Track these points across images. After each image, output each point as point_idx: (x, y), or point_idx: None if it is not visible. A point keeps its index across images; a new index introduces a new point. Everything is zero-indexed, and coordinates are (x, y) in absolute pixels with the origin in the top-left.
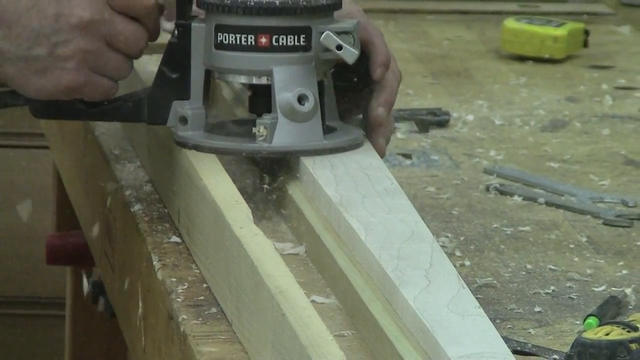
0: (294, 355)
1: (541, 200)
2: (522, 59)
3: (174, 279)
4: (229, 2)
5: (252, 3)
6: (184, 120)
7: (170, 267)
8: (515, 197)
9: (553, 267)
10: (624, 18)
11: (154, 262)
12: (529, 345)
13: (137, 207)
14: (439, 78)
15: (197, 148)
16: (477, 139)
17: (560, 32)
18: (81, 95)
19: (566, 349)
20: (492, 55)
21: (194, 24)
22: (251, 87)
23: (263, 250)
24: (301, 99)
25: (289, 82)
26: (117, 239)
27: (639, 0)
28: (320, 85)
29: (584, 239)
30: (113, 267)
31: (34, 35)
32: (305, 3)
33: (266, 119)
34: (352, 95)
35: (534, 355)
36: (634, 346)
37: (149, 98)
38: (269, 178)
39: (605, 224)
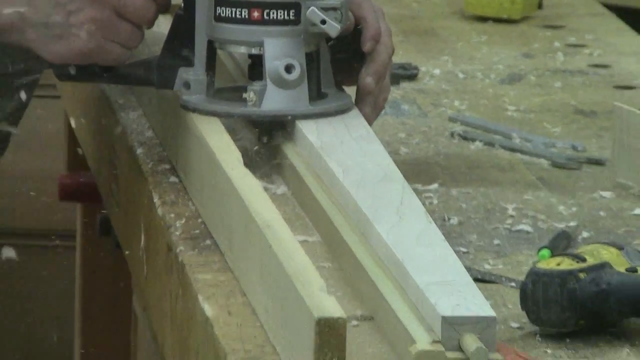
0: (279, 282)
1: (499, 145)
2: (483, 19)
3: (172, 215)
4: None
5: None
6: (187, 85)
7: (169, 204)
8: (477, 143)
9: (510, 205)
10: None
11: (155, 200)
12: (489, 274)
13: (139, 151)
14: (408, 36)
15: (196, 111)
16: (442, 90)
17: None
18: (94, 60)
19: (522, 278)
20: (456, 16)
21: None
22: (250, 56)
23: (251, 189)
24: (289, 68)
25: (278, 52)
26: (122, 179)
27: None
28: (311, 55)
29: (538, 180)
30: (118, 204)
31: (52, 4)
32: None
33: (256, 85)
34: (348, 66)
35: (493, 282)
36: (582, 275)
37: (157, 64)
38: (265, 137)
39: (556, 166)
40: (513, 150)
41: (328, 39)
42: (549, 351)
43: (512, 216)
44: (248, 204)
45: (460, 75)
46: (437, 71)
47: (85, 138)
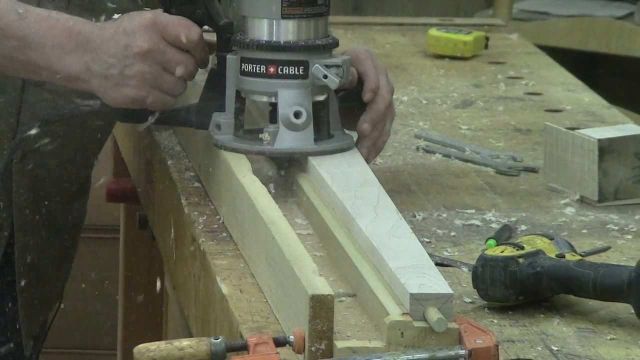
0: (280, 266)
1: (454, 156)
2: (441, 57)
3: (196, 213)
4: (248, 40)
5: (264, 42)
6: (219, 127)
7: (194, 204)
8: (437, 155)
9: (464, 204)
10: (514, 28)
11: (182, 200)
12: (447, 259)
13: (170, 162)
14: None
15: (223, 148)
16: (409, 113)
17: (468, 38)
18: (144, 106)
19: (473, 262)
20: (420, 55)
21: (229, 56)
22: (270, 104)
23: (259, 192)
24: (297, 114)
25: (289, 101)
26: (156, 184)
27: (524, 15)
28: (321, 103)
29: (485, 184)
30: (153, 204)
31: (111, 59)
32: (303, 43)
33: (270, 128)
34: (354, 114)
35: (450, 266)
36: (521, 260)
37: (196, 110)
38: (282, 170)
39: (500, 173)
40: (466, 160)
41: (337, 90)
42: (495, 321)
43: (465, 213)
44: (256, 204)
45: (424, 101)
46: (405, 98)
47: (127, 151)
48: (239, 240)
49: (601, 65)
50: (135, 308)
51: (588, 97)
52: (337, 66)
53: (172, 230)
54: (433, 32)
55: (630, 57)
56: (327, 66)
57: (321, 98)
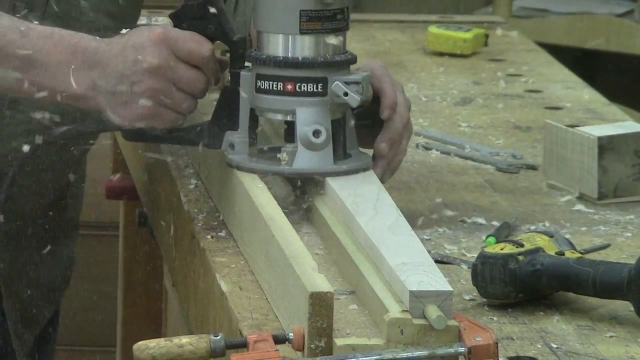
0: (280, 263)
1: (454, 154)
2: (441, 54)
3: (195, 210)
4: (264, 56)
5: (281, 58)
6: (232, 146)
7: (193, 201)
8: (436, 152)
9: (463, 201)
10: (513, 26)
11: (182, 198)
12: (447, 256)
13: (169, 159)
14: None
15: (238, 168)
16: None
17: (468, 35)
18: (153, 124)
19: (472, 260)
20: (420, 52)
21: (243, 72)
22: (285, 122)
23: (258, 190)
24: (316, 133)
25: (308, 119)
26: (156, 182)
27: (523, 13)
28: (338, 122)
29: (485, 182)
30: (153, 201)
31: (119, 75)
32: (322, 59)
33: (288, 147)
34: (370, 132)
35: (449, 263)
36: (520, 257)
37: (208, 128)
38: (298, 190)
39: (499, 170)
40: (465, 158)
41: (352, 108)
42: (494, 318)
43: (465, 210)
44: (255, 201)
45: (423, 99)
46: None
47: (127, 148)
48: (239, 237)
49: (601, 62)
50: (135, 305)
51: (588, 95)
52: (357, 83)
53: (172, 228)
54: (433, 29)
55: (630, 55)
56: (347, 83)
57: (338, 116)
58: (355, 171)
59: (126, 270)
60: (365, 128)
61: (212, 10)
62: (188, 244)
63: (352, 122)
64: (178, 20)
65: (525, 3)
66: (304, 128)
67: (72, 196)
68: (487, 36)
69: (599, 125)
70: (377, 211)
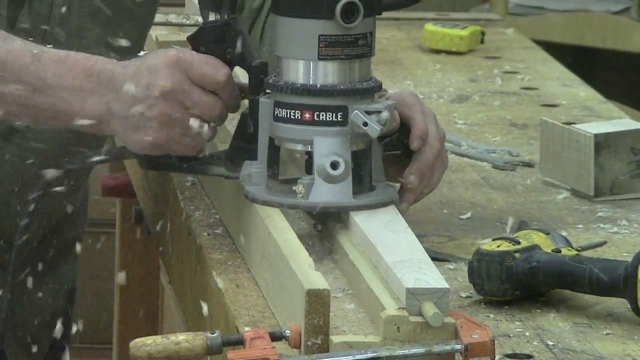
0: (277, 260)
1: (451, 151)
2: (437, 51)
3: (192, 207)
4: (282, 83)
5: (299, 85)
6: (249, 177)
7: (190, 198)
8: None
9: (460, 198)
10: (509, 23)
11: (178, 195)
12: (443, 254)
13: None
14: (378, 65)
15: (254, 201)
16: None
17: (464, 32)
18: (166, 151)
19: (469, 257)
20: (416, 49)
21: (262, 99)
22: (306, 152)
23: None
24: (334, 165)
25: (326, 150)
26: (152, 179)
27: (519, 10)
28: (362, 152)
29: (481, 179)
30: (149, 199)
31: (132, 99)
32: (342, 87)
33: (305, 179)
34: (400, 163)
35: (446, 260)
36: (517, 255)
37: (226, 158)
38: (319, 225)
39: (496, 167)
40: (462, 155)
41: (381, 137)
42: (491, 316)
43: (461, 207)
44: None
45: (420, 96)
46: None
47: None
48: (236, 235)
49: (597, 60)
50: (132, 302)
51: (584, 92)
52: (379, 112)
53: (168, 225)
54: (429, 26)
55: (626, 52)
56: (368, 112)
57: (362, 147)
58: (377, 205)
59: (122, 267)
60: (395, 158)
61: (231, 33)
62: (184, 242)
63: (380, 154)
64: (196, 43)
65: (521, 0)
66: (321, 159)
67: (77, 214)
68: (483, 33)
69: (595, 122)
70: (376, 211)
